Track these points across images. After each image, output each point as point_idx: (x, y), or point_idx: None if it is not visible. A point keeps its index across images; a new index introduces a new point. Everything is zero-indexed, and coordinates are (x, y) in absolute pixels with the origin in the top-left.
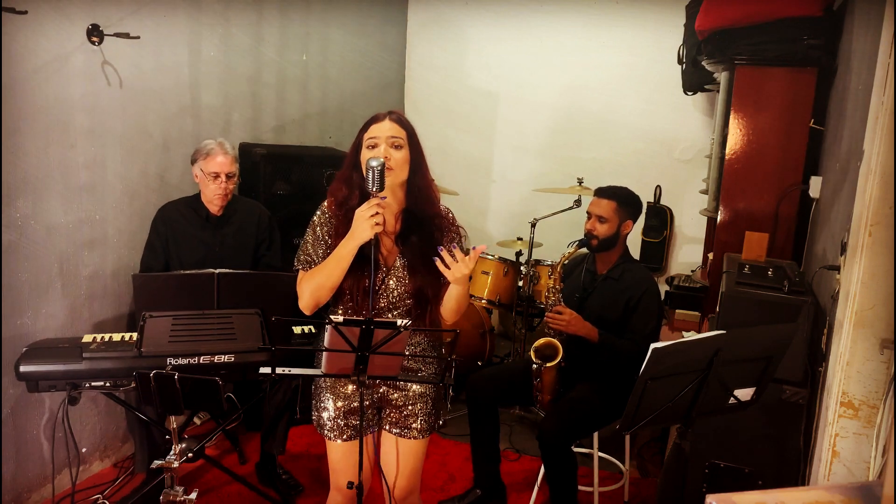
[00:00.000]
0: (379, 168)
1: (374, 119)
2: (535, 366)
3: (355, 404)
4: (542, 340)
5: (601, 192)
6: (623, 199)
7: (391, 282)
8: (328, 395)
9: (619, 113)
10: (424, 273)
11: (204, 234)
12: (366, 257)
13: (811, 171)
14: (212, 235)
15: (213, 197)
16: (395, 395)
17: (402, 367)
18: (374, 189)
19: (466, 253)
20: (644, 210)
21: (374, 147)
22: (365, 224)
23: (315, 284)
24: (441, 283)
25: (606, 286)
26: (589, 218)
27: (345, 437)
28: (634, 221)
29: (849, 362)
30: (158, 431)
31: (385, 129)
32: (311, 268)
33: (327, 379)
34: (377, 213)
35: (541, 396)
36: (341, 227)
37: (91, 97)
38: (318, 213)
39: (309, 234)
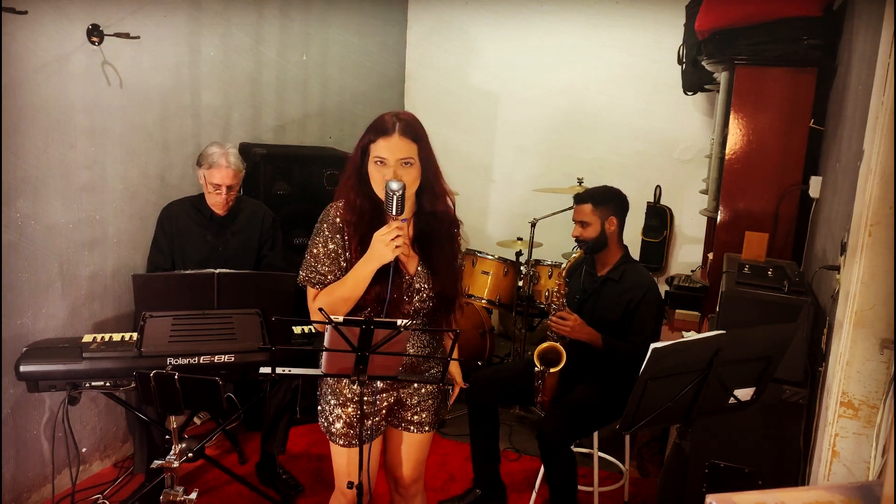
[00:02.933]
0: (400, 192)
1: (383, 131)
2: (537, 369)
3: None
4: (546, 345)
5: (577, 198)
6: (598, 199)
7: (415, 287)
8: (334, 399)
9: (619, 113)
10: (445, 275)
11: (208, 234)
12: (386, 271)
13: (811, 171)
14: (216, 235)
15: (214, 204)
16: (403, 394)
17: (404, 367)
18: (395, 214)
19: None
20: (644, 210)
21: (382, 165)
22: (386, 249)
23: (331, 304)
24: (459, 286)
25: (607, 288)
26: (575, 225)
27: (353, 443)
28: (619, 216)
29: (849, 362)
30: (158, 431)
31: (395, 150)
32: (321, 286)
33: (333, 383)
34: (398, 237)
35: (541, 398)
36: (354, 238)
37: (91, 97)
38: (325, 224)
39: (318, 248)
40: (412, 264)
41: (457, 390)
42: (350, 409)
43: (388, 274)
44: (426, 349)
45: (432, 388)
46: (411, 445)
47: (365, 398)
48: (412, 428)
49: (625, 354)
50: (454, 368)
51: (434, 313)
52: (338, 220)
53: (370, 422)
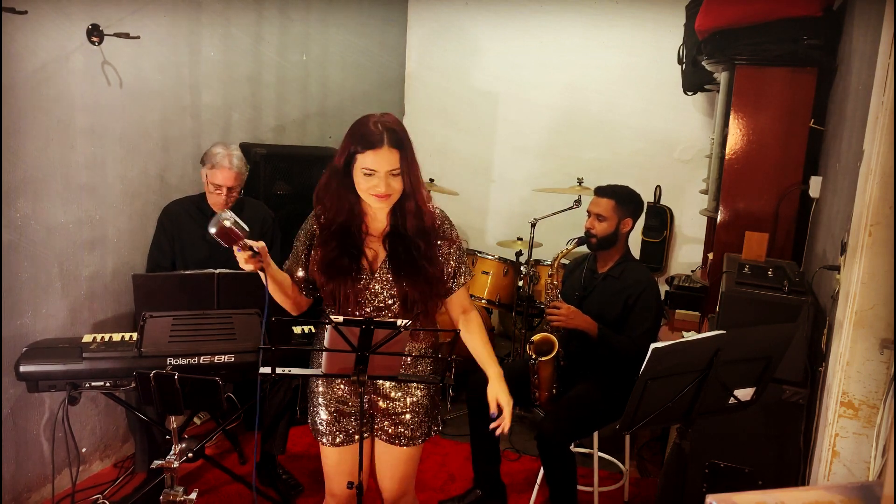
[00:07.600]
0: (229, 222)
1: (370, 144)
2: (531, 361)
3: (346, 409)
4: (539, 335)
5: (600, 191)
6: (622, 198)
7: (376, 286)
8: (321, 400)
9: (619, 113)
10: (408, 278)
11: (208, 234)
12: (351, 262)
13: (811, 171)
14: None
15: (214, 204)
16: (386, 404)
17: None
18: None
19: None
20: (644, 210)
21: (371, 176)
22: (244, 265)
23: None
24: (431, 293)
25: (606, 285)
26: (589, 216)
27: (337, 441)
28: (634, 220)
29: (849, 362)
30: (158, 431)
31: (384, 162)
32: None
33: (319, 384)
34: (248, 260)
35: (538, 393)
36: (318, 250)
37: (91, 97)
38: (304, 230)
39: (296, 244)
40: (377, 262)
41: (507, 421)
42: (332, 408)
43: (347, 272)
44: (421, 351)
45: (420, 400)
46: (397, 459)
47: (348, 399)
48: (397, 441)
49: (619, 348)
50: (502, 397)
51: (400, 317)
52: (315, 228)
53: (350, 423)
